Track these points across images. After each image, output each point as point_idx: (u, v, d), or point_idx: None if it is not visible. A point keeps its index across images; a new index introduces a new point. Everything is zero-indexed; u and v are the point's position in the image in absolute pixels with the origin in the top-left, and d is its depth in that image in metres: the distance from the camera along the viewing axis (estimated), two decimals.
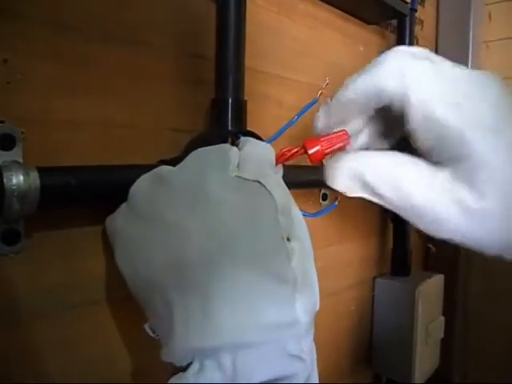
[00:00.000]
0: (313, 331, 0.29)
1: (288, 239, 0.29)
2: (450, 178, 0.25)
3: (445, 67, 0.26)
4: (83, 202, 0.35)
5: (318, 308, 0.30)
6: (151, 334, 0.31)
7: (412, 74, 0.26)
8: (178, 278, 0.27)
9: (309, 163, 0.32)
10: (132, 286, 0.31)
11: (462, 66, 0.27)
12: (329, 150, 0.31)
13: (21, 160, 0.32)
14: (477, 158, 0.24)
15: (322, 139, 0.31)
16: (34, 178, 0.30)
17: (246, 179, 0.29)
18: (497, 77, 0.27)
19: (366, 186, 0.28)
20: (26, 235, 0.34)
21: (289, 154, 0.32)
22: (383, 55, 0.28)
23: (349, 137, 0.31)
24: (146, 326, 0.32)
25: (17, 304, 0.35)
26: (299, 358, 0.27)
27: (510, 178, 0.24)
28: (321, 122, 0.31)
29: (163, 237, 0.29)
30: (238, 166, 0.30)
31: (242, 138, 0.33)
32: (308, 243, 0.31)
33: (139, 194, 0.32)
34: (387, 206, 0.28)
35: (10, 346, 0.35)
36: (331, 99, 0.30)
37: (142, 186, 0.32)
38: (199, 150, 0.32)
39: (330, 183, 0.30)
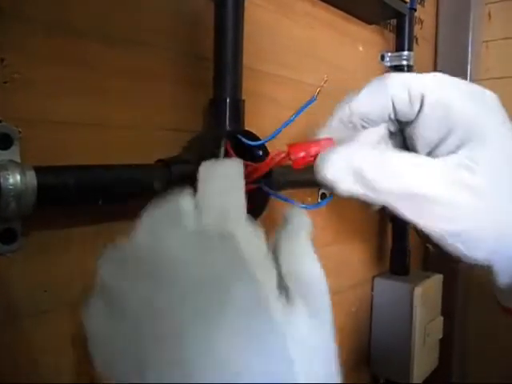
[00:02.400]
0: None
1: (285, 291, 0.24)
2: (449, 163, 0.26)
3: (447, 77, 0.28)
4: (80, 201, 0.35)
5: None
6: None
7: (423, 81, 0.27)
8: (152, 360, 0.23)
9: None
10: (106, 374, 0.26)
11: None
12: (312, 158, 0.30)
13: (18, 159, 0.32)
14: (489, 139, 0.25)
15: (306, 145, 0.30)
16: (31, 177, 0.30)
17: (207, 230, 0.24)
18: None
19: (360, 178, 0.27)
20: (22, 234, 0.34)
21: (277, 159, 0.32)
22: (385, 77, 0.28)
23: (334, 145, 0.30)
24: None
25: (13, 303, 0.36)
26: None
27: (506, 160, 0.25)
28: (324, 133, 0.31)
29: (129, 323, 0.24)
30: (197, 208, 0.26)
31: (201, 167, 0.28)
32: (326, 313, 0.25)
33: (104, 279, 0.27)
34: (379, 200, 0.27)
35: (6, 344, 0.35)
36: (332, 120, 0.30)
37: (105, 270, 0.28)
38: (149, 209, 0.28)
39: (321, 176, 0.28)
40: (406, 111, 0.27)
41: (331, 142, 0.30)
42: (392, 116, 0.28)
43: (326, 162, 0.28)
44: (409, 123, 0.28)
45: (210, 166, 0.28)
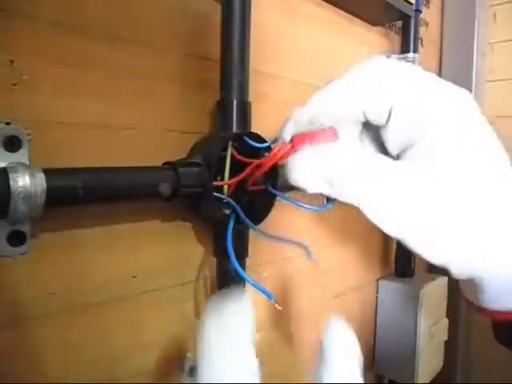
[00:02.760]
0: None
1: None
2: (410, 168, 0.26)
3: (423, 79, 0.27)
4: (88, 203, 0.35)
5: None
6: None
7: (395, 90, 0.26)
8: None
9: None
10: None
11: (431, 76, 0.27)
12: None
13: (27, 162, 0.32)
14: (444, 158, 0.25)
15: (311, 135, 0.30)
16: (40, 179, 0.30)
17: None
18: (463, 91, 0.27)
19: (328, 181, 0.27)
20: (31, 236, 0.34)
21: (282, 152, 0.32)
22: (361, 70, 0.27)
23: (338, 135, 0.30)
24: None
25: (21, 305, 0.36)
26: None
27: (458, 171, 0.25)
28: (288, 133, 0.30)
29: None
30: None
31: (203, 326, 0.24)
32: None
33: None
34: (347, 202, 0.27)
35: (13, 345, 0.36)
36: (301, 114, 0.29)
37: None
38: None
39: (292, 181, 0.28)
40: (376, 121, 0.28)
41: (335, 132, 0.30)
42: (362, 120, 0.28)
43: (296, 167, 0.28)
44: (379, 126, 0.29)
45: (211, 328, 0.24)
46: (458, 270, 0.26)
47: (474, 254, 0.25)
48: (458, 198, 0.25)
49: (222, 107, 0.45)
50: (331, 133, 0.30)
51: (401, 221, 0.26)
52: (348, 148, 0.28)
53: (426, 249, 0.26)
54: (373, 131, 0.32)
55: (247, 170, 0.37)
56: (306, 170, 0.27)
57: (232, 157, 0.42)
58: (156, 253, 0.46)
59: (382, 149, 0.31)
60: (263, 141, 0.42)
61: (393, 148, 0.28)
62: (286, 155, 0.31)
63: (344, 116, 0.28)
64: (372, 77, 0.27)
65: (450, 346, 0.94)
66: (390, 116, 0.27)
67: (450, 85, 0.27)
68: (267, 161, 0.33)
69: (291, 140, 0.30)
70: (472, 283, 0.27)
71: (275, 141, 0.33)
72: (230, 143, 0.42)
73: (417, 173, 0.25)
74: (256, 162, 0.35)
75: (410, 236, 0.26)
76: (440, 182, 0.25)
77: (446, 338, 0.91)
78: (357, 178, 0.26)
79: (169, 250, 0.47)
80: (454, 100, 0.26)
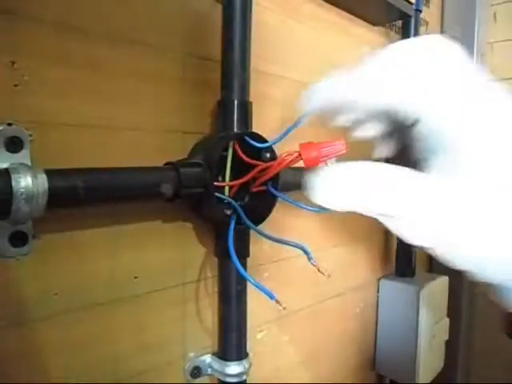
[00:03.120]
0: None
1: None
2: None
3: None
4: (90, 203, 0.35)
5: None
6: None
7: (419, 106, 0.25)
8: None
9: None
10: None
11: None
12: (324, 158, 0.29)
13: (29, 162, 0.32)
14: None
15: (319, 145, 0.30)
16: (42, 180, 0.30)
17: None
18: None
19: (356, 199, 0.26)
20: (33, 237, 0.34)
21: (289, 160, 0.31)
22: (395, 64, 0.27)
23: (346, 147, 0.30)
24: None
25: (24, 306, 0.36)
26: None
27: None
28: (312, 111, 0.29)
29: None
30: None
31: None
32: None
33: None
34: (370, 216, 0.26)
35: (16, 346, 0.36)
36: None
37: None
38: None
39: (310, 198, 0.27)
40: (405, 120, 0.27)
41: (344, 143, 0.30)
42: (392, 118, 0.27)
43: (319, 187, 0.27)
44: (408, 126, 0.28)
45: None
46: (493, 275, 0.25)
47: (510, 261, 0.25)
48: (495, 206, 0.24)
49: (223, 107, 0.45)
50: (340, 145, 0.29)
51: (435, 233, 0.24)
52: (371, 162, 0.27)
53: (457, 257, 0.25)
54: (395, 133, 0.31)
55: (251, 174, 0.37)
56: (330, 188, 0.26)
57: (233, 157, 0.42)
58: (157, 253, 0.46)
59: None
60: (264, 141, 0.42)
61: (420, 150, 0.27)
62: (293, 162, 0.31)
63: (379, 106, 0.26)
64: (398, 74, 0.25)
65: (450, 346, 0.94)
66: (417, 120, 0.25)
67: (481, 81, 0.26)
68: (274, 167, 0.33)
69: (299, 148, 0.30)
70: (504, 289, 0.26)
71: (288, 131, 0.33)
72: (231, 143, 0.42)
73: (452, 183, 0.24)
74: (262, 165, 0.35)
75: (446, 246, 0.24)
76: (475, 192, 0.24)
77: (446, 337, 0.91)
78: (388, 194, 0.25)
79: (170, 250, 0.47)
80: (487, 101, 0.25)
